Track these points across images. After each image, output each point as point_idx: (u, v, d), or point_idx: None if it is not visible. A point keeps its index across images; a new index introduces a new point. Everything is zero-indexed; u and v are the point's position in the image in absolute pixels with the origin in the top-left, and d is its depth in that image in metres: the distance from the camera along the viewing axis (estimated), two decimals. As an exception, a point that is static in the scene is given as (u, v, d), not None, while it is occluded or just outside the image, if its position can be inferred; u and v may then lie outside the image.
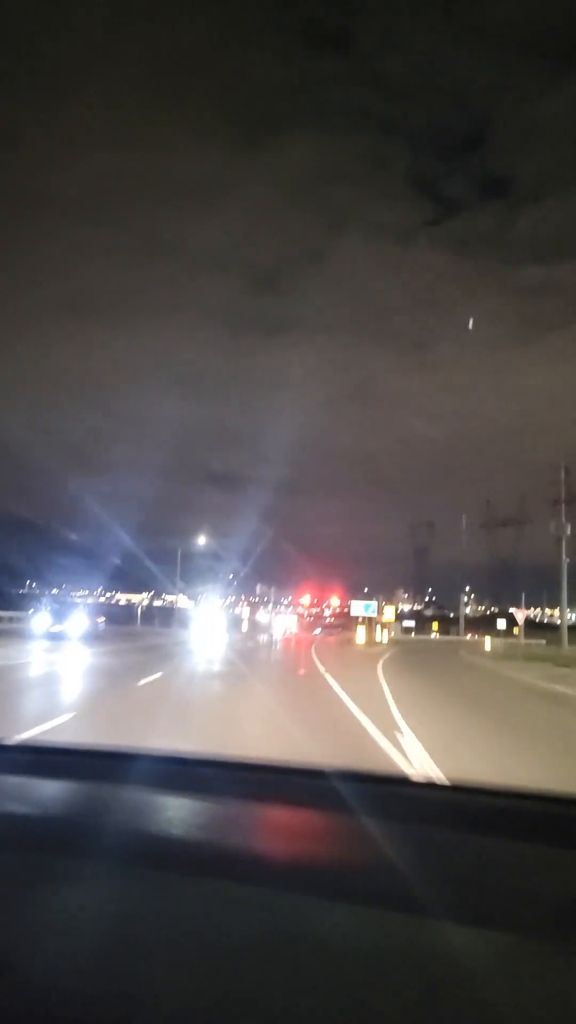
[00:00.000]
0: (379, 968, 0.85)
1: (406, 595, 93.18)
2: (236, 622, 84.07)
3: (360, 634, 43.20)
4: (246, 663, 22.04)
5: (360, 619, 46.90)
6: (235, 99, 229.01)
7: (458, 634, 79.10)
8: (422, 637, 77.20)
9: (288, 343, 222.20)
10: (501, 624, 56.99)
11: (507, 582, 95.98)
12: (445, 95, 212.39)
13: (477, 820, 1.39)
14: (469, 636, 68.17)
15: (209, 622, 53.57)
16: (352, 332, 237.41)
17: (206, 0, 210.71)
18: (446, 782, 1.79)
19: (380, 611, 50.12)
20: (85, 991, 0.81)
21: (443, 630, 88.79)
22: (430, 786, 1.78)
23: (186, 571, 64.41)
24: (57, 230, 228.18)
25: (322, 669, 20.20)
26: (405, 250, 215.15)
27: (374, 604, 48.09)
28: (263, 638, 53.29)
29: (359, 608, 47.89)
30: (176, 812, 1.41)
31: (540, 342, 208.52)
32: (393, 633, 59.35)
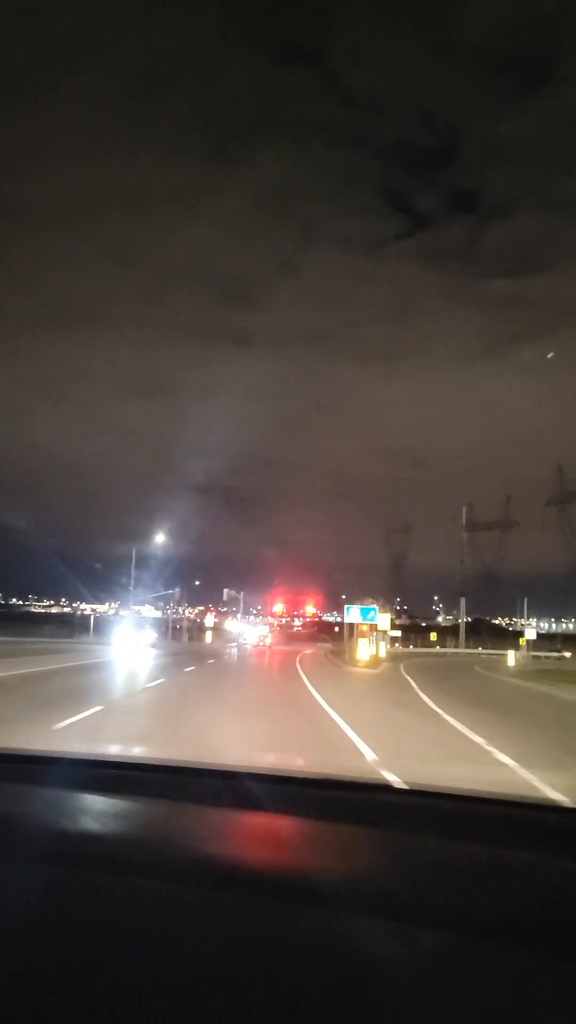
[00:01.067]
0: (339, 969, 0.85)
1: (375, 604, 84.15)
2: (198, 631, 74.35)
3: (362, 648, 31.63)
4: (199, 708, 10.75)
5: (344, 628, 36.25)
6: (206, 111, 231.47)
7: (456, 645, 68.79)
8: (413, 650, 66.08)
9: (259, 354, 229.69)
10: (530, 634, 46.99)
11: (487, 589, 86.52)
12: (415, 111, 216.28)
13: (446, 825, 1.40)
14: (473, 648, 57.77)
15: (149, 634, 42.30)
16: (323, 343, 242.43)
17: (178, 13, 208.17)
18: (435, 789, 1.67)
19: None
20: (64, 996, 0.80)
21: (431, 641, 77.99)
22: (409, 793, 1.67)
23: (153, 580, 58.61)
24: (25, 239, 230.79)
25: (354, 738, 8.86)
26: (375, 262, 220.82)
27: (375, 610, 36.90)
28: (229, 654, 42.02)
29: (355, 614, 36.28)
30: (152, 818, 1.43)
31: (508, 354, 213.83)
32: (389, 646, 48.31)
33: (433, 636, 63.96)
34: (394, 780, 1.79)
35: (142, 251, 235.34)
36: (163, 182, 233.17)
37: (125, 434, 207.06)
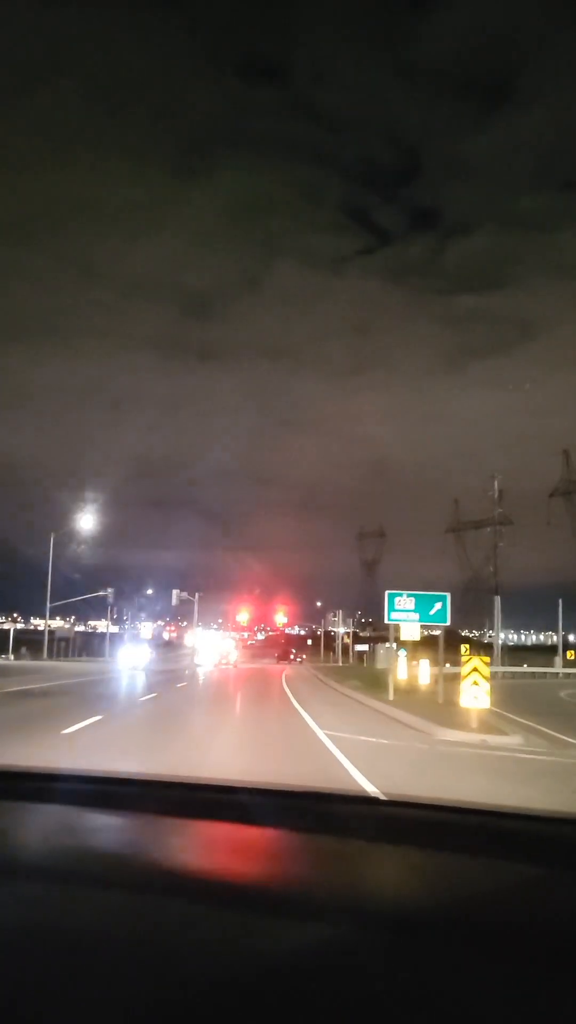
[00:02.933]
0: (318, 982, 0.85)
1: (335, 618, 74.23)
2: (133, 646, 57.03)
3: (471, 687, 12.69)
4: None
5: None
6: (171, 126, 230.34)
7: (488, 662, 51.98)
8: (449, 670, 48.67)
9: (222, 368, 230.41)
10: None
11: (460, 597, 70.06)
12: (378, 130, 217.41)
13: (431, 836, 1.40)
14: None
15: None
16: (286, 357, 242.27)
17: (144, 28, 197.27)
18: (418, 800, 1.65)
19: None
20: (54, 1013, 0.80)
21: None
22: (393, 804, 1.68)
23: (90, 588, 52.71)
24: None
25: None
26: (338, 278, 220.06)
27: (445, 600, 18.76)
28: (165, 690, 24.06)
29: (406, 608, 18.30)
30: (123, 831, 1.44)
31: (469, 369, 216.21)
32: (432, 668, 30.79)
33: (464, 650, 47.96)
34: (376, 792, 1.67)
35: (104, 264, 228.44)
36: (126, 195, 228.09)
37: (84, 446, 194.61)
